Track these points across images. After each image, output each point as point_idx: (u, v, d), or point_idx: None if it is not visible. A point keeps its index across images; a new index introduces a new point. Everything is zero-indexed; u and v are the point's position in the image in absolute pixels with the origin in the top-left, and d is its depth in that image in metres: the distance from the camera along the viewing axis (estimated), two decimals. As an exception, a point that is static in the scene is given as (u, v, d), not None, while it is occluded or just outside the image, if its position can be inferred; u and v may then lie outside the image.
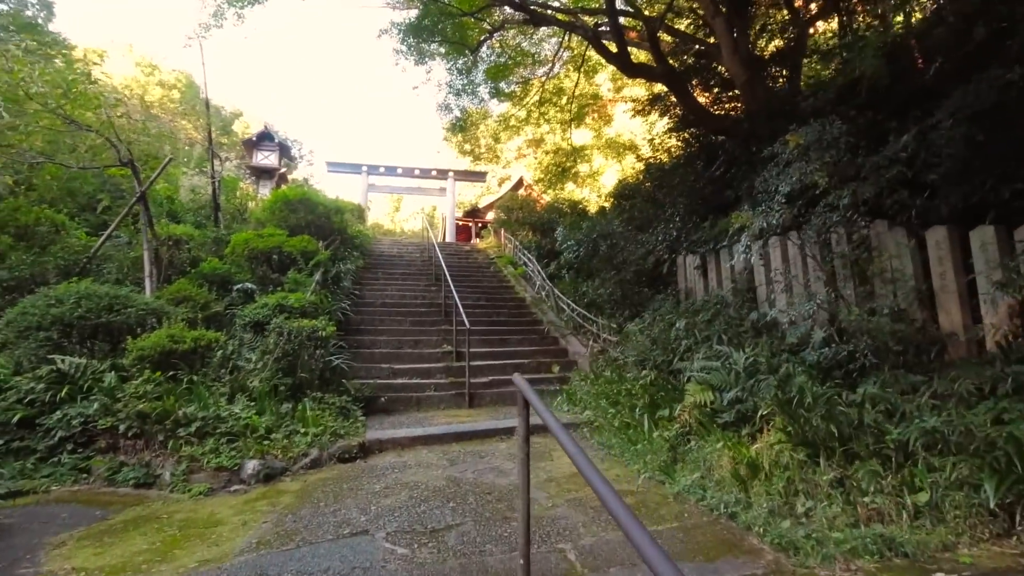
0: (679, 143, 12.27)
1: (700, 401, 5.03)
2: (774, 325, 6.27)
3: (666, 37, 12.01)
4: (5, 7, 11.29)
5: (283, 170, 18.49)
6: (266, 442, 4.71)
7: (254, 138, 18.72)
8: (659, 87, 12.24)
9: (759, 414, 4.39)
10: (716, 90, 11.89)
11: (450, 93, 15.57)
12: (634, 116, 13.53)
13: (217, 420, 4.71)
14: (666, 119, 12.78)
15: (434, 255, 12.03)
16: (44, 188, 10.20)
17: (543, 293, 11.47)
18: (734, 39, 10.40)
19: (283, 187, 15.68)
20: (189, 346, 5.43)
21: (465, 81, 15.79)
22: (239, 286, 8.05)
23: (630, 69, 9.99)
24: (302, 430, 4.96)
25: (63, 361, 5.07)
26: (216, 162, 12.54)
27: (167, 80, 41.65)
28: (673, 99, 12.97)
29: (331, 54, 73.31)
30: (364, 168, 22.29)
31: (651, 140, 12.69)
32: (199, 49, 10.54)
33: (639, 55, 13.19)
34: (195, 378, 5.28)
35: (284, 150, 19.02)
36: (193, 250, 9.43)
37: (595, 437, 5.49)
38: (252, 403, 5.18)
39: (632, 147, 16.98)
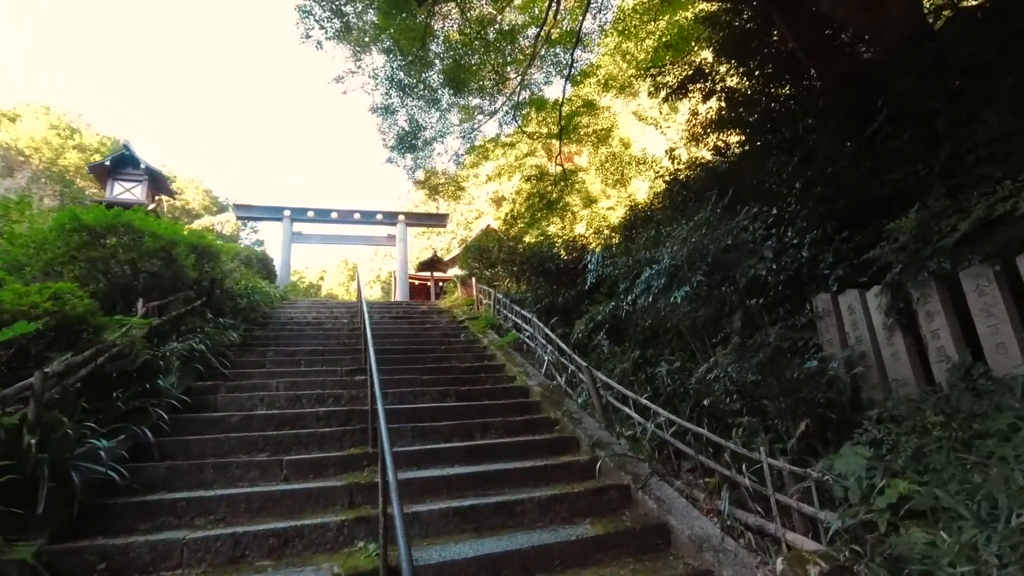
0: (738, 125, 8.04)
1: None
2: None
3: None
4: None
5: (153, 206, 12.81)
6: None
7: (107, 162, 12.83)
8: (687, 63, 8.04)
9: None
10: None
11: (392, 88, 10.91)
12: (665, 101, 9.34)
13: None
14: (712, 102, 8.61)
15: (362, 319, 6.82)
16: None
17: (562, 378, 6.41)
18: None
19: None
20: None
21: (414, 77, 11.25)
22: None
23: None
24: None
25: None
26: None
27: (89, 143, 38.81)
28: (719, 75, 8.86)
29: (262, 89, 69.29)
30: (286, 212, 17.07)
31: (700, 125, 8.38)
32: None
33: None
34: None
35: (155, 180, 13.28)
36: None
37: None
38: None
39: (645, 162, 12.71)
